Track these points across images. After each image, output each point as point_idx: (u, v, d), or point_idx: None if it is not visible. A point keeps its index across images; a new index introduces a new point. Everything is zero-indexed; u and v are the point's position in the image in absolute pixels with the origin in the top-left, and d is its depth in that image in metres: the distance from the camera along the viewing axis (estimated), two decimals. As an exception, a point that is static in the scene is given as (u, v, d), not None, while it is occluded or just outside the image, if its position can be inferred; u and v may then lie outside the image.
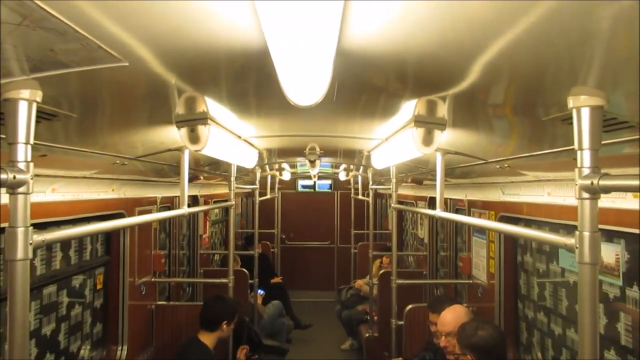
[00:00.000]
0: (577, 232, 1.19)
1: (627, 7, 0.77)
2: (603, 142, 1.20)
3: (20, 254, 1.14)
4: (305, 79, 1.15)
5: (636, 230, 2.00)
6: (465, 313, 2.95)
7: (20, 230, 1.14)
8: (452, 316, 2.84)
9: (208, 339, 3.40)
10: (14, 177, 1.09)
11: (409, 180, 5.04)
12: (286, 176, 7.24)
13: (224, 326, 3.42)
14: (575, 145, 1.18)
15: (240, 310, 3.62)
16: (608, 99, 1.16)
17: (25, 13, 0.79)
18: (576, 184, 1.18)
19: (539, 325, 3.19)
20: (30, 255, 1.16)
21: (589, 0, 0.78)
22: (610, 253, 2.31)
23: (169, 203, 4.35)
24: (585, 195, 1.17)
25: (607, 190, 1.13)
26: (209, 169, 4.09)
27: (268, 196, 7.39)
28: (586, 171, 1.16)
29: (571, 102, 1.18)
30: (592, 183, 1.14)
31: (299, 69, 1.07)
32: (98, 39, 0.94)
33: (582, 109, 1.16)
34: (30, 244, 1.15)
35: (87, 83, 1.27)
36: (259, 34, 0.97)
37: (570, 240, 1.22)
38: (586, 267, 1.17)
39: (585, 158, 1.16)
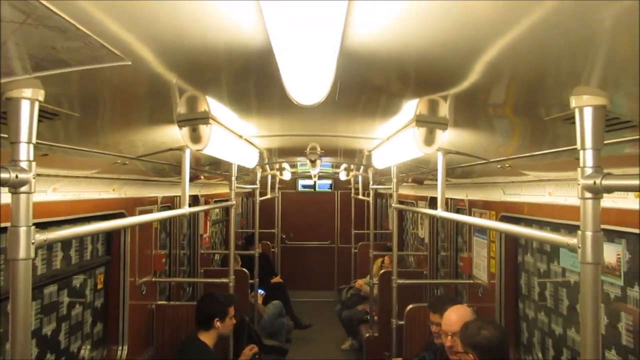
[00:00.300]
0: (579, 232, 1.19)
1: (630, 6, 0.77)
2: (605, 142, 1.19)
3: (22, 254, 1.14)
4: (308, 79, 1.15)
5: (637, 230, 2.00)
6: (470, 313, 2.95)
7: (22, 230, 1.13)
8: (457, 316, 2.85)
9: (207, 337, 3.42)
10: (17, 177, 1.09)
11: (410, 180, 5.04)
12: (286, 176, 7.24)
13: (217, 323, 3.43)
14: (578, 145, 1.18)
15: (235, 303, 3.58)
16: (611, 98, 1.16)
17: (28, 11, 0.79)
18: (579, 184, 1.18)
19: (540, 325, 3.20)
20: (33, 254, 1.15)
21: (591, 0, 0.78)
22: (612, 253, 2.31)
23: (170, 203, 4.35)
24: (588, 195, 1.16)
25: (610, 190, 1.13)
26: (210, 168, 4.08)
27: (268, 196, 7.38)
28: (589, 171, 1.16)
29: (574, 102, 1.17)
30: (594, 183, 1.14)
31: (302, 68, 1.07)
32: (101, 38, 0.93)
33: (584, 108, 1.16)
34: (33, 243, 1.15)
35: (89, 82, 1.27)
36: (261, 33, 0.97)
37: (572, 240, 1.22)
38: (588, 267, 1.17)
39: (587, 158, 1.16)
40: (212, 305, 3.50)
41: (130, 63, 1.08)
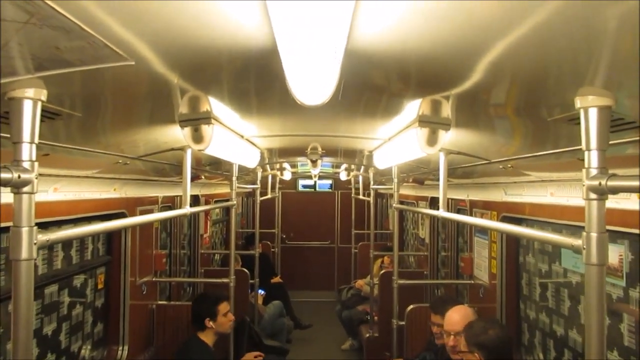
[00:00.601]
0: (584, 233, 1.18)
1: (635, 6, 0.76)
2: (610, 143, 1.19)
3: (24, 254, 1.13)
4: (313, 79, 1.15)
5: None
6: (471, 313, 2.96)
7: (24, 230, 1.13)
8: (459, 315, 2.86)
9: (205, 336, 3.43)
10: (19, 177, 1.09)
11: (411, 180, 5.04)
12: (287, 176, 7.24)
13: (210, 323, 3.43)
14: (583, 146, 1.17)
15: (225, 301, 3.53)
16: (616, 99, 1.15)
17: (32, 11, 0.78)
18: (584, 185, 1.17)
19: (541, 326, 3.19)
20: (35, 255, 1.15)
21: (595, 0, 0.77)
22: (614, 254, 2.31)
23: (170, 202, 4.34)
24: (593, 195, 1.16)
25: (615, 191, 1.12)
26: (211, 168, 4.08)
27: (269, 196, 7.38)
28: (594, 172, 1.15)
29: (579, 103, 1.17)
30: (599, 184, 1.13)
31: (308, 68, 1.07)
32: (104, 38, 0.93)
33: (589, 109, 1.15)
34: (35, 243, 1.15)
35: (91, 82, 1.26)
36: (264, 34, 0.96)
37: (577, 241, 1.21)
38: (593, 268, 1.17)
39: (592, 159, 1.15)
40: (200, 306, 3.52)
41: (133, 63, 1.07)
